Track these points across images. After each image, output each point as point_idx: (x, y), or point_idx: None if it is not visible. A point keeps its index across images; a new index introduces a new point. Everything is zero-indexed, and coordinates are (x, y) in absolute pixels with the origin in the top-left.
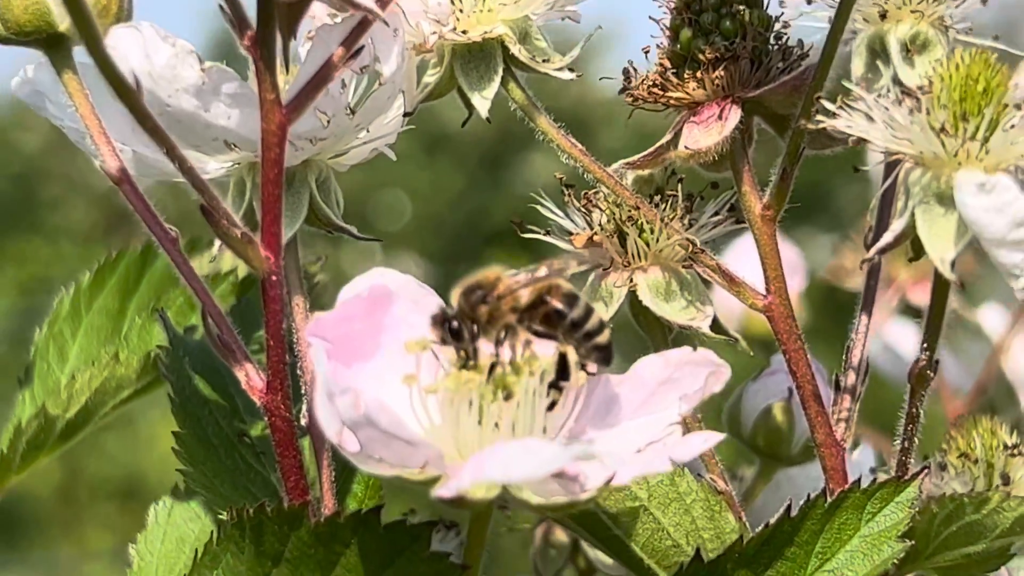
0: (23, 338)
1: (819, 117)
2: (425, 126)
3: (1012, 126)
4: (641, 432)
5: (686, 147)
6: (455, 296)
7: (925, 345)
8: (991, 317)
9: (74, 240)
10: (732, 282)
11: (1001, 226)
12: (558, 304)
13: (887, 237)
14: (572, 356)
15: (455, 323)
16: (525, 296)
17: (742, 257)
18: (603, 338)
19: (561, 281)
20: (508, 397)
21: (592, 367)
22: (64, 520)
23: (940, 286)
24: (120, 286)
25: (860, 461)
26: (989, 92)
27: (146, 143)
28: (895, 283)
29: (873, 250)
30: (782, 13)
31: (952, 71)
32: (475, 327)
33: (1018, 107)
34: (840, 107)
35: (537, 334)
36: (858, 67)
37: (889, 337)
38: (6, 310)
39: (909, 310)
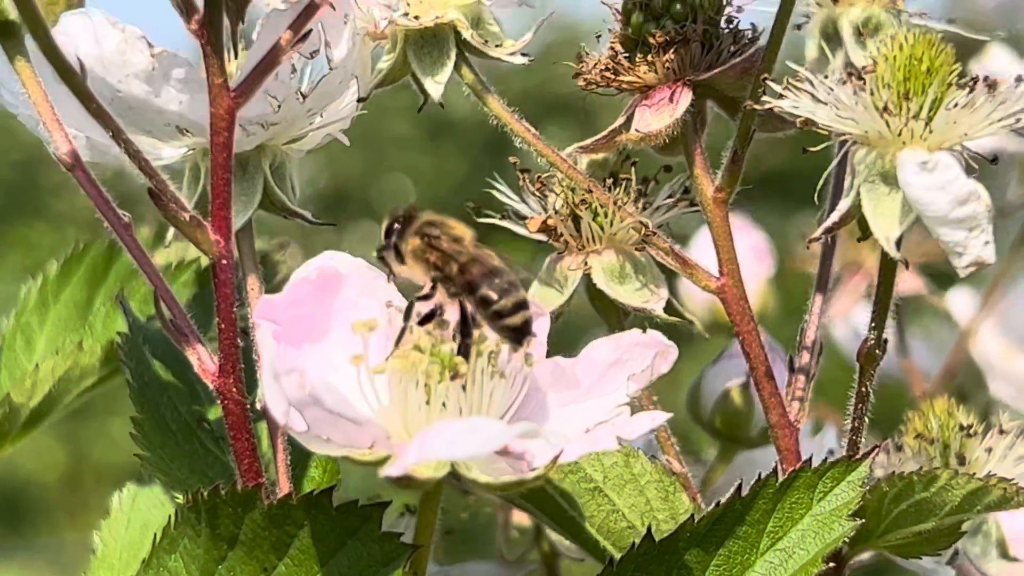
0: None
1: (766, 98)
2: (429, 111)
3: (955, 105)
4: (591, 412)
5: (637, 130)
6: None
7: (873, 324)
8: (959, 302)
9: (78, 226)
10: (685, 264)
11: (943, 204)
12: (472, 275)
13: (833, 217)
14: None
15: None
16: (462, 256)
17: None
18: (515, 320)
19: (491, 256)
20: (455, 377)
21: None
22: (70, 506)
23: (887, 265)
24: (88, 277)
25: (825, 444)
26: (933, 71)
27: (99, 130)
28: (863, 268)
29: (820, 230)
30: (730, 3)
31: (896, 51)
32: (402, 255)
33: (962, 87)
34: (787, 88)
35: (451, 294)
36: (811, 50)
37: (859, 322)
38: (10, 295)
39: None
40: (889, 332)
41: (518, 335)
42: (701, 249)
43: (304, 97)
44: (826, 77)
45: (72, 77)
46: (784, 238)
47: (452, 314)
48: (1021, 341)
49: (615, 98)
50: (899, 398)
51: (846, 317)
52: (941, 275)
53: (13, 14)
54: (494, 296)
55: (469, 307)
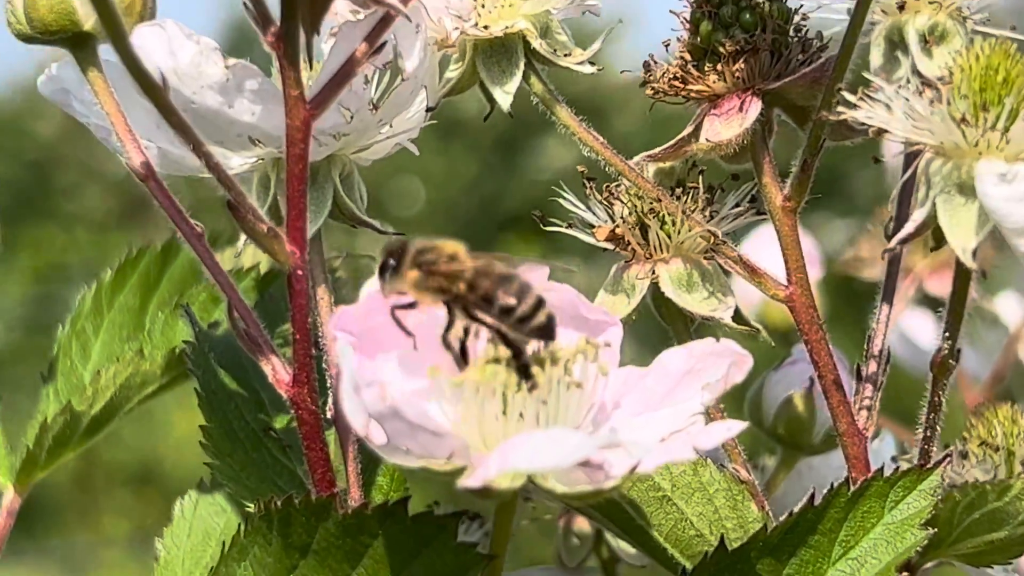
0: (38, 324)
1: (840, 108)
2: (439, 112)
3: None
4: (665, 422)
5: (707, 139)
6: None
7: (947, 334)
8: (1008, 306)
9: (89, 227)
10: (754, 273)
11: (1021, 215)
12: (484, 288)
13: (908, 227)
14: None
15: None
16: (466, 273)
17: (760, 248)
18: (539, 319)
19: (493, 264)
20: (533, 388)
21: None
22: (81, 507)
23: (961, 275)
24: (141, 283)
25: (880, 449)
26: (1009, 82)
27: (170, 139)
28: (912, 273)
29: (895, 240)
30: (801, 5)
31: (972, 61)
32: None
33: None
34: (860, 98)
35: (469, 315)
36: (877, 58)
37: (907, 326)
38: (21, 297)
39: (926, 300)
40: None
41: (545, 334)
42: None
43: (376, 108)
44: (900, 88)
45: (154, 90)
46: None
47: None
48: None
49: (630, 99)
50: (948, 402)
51: (895, 321)
52: (990, 279)
53: (87, 25)
54: (513, 302)
55: (492, 321)
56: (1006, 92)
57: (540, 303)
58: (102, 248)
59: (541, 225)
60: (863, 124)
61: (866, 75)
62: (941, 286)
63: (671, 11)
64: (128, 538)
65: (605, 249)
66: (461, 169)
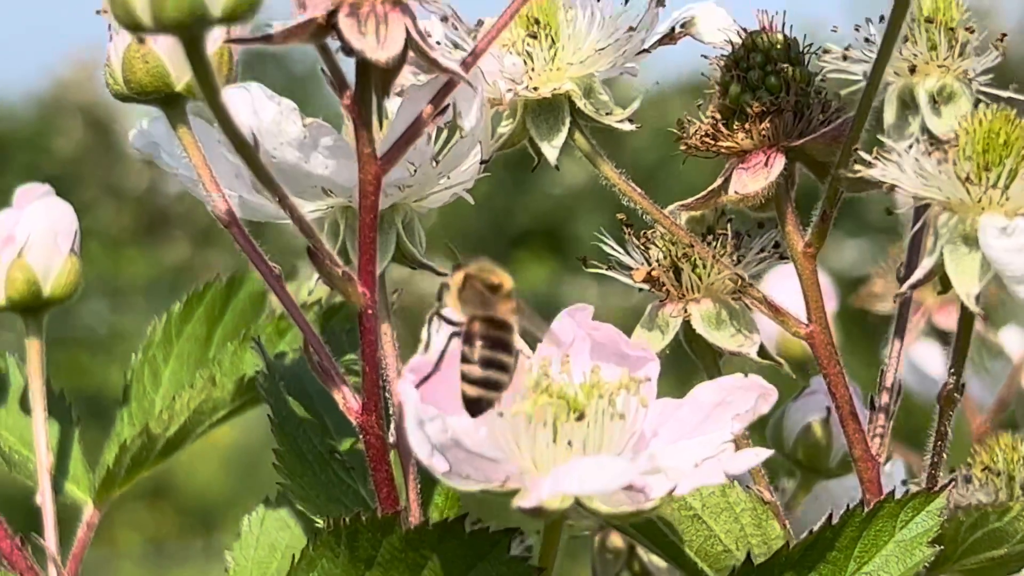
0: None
1: (856, 166)
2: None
3: None
4: (698, 449)
5: (736, 192)
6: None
7: (953, 370)
8: (1012, 338)
9: (104, 242)
10: (777, 312)
11: (1021, 265)
12: (472, 328)
13: (918, 274)
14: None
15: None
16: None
17: (776, 286)
18: (470, 389)
19: (506, 323)
20: (580, 418)
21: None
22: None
23: (966, 317)
24: (207, 315)
25: (891, 473)
26: (1009, 145)
27: (249, 189)
28: (922, 307)
29: (905, 286)
30: (822, 69)
31: (976, 125)
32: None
33: None
34: (875, 157)
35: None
36: (890, 116)
37: (916, 357)
38: None
39: (935, 332)
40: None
41: (468, 402)
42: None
43: (437, 162)
44: (910, 147)
45: (244, 147)
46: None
47: (576, 362)
48: None
49: (639, 117)
50: (956, 427)
51: (906, 352)
52: (994, 313)
53: (179, 87)
54: (470, 358)
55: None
56: (1007, 154)
57: (491, 384)
58: (117, 263)
59: (584, 268)
60: (878, 180)
61: (880, 137)
62: (948, 320)
63: (702, 74)
64: (142, 551)
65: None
66: (473, 186)
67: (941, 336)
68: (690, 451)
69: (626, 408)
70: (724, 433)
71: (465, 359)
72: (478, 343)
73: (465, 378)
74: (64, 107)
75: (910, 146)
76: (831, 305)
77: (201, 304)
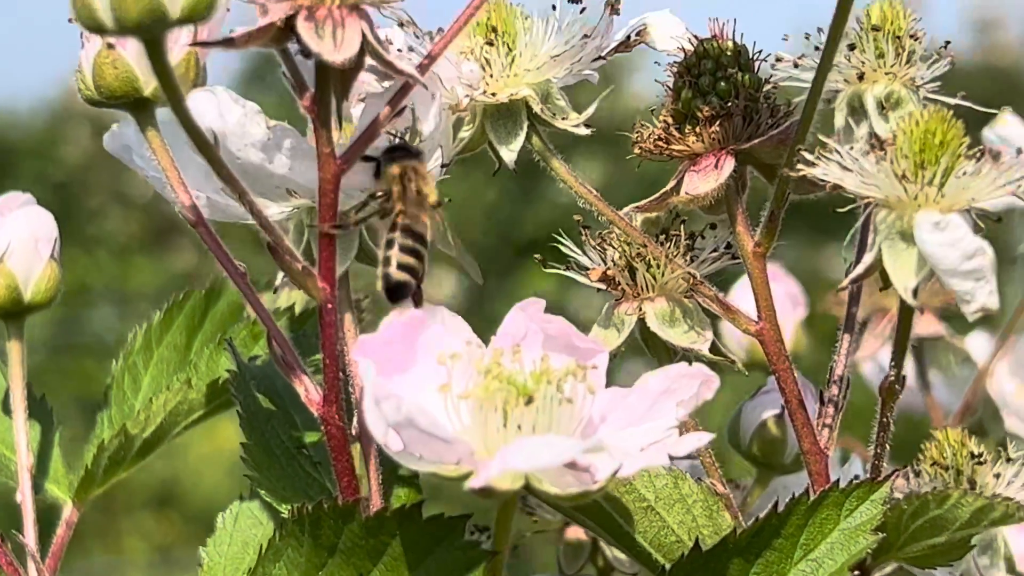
0: (61, 346)
1: (800, 167)
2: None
3: (964, 173)
4: (645, 434)
5: (686, 193)
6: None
7: (893, 363)
8: (978, 344)
9: (111, 250)
10: (728, 310)
11: (954, 258)
12: (396, 221)
13: (859, 269)
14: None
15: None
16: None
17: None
18: (392, 272)
19: (424, 220)
20: (529, 402)
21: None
22: (101, 529)
23: (905, 311)
24: (187, 324)
25: (848, 471)
26: (945, 144)
27: (217, 190)
28: (889, 313)
29: (847, 280)
30: (771, 76)
31: (913, 126)
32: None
33: (970, 158)
34: (818, 158)
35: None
36: (840, 121)
37: (885, 361)
38: (44, 318)
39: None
40: (914, 371)
41: (389, 289)
42: (740, 294)
43: None
44: (852, 148)
45: (206, 147)
46: (813, 263)
47: (527, 352)
48: None
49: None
50: (923, 428)
51: (874, 357)
52: (961, 320)
53: (147, 91)
54: (393, 244)
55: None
56: (942, 153)
57: (409, 269)
58: (125, 271)
59: (543, 267)
60: (821, 180)
61: (822, 138)
62: (917, 325)
63: (656, 80)
64: (148, 559)
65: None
66: (479, 195)
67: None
68: (637, 436)
69: (574, 393)
70: (670, 419)
71: (389, 245)
72: (400, 233)
73: (388, 263)
74: (72, 115)
75: (851, 147)
76: (800, 310)
77: (181, 313)
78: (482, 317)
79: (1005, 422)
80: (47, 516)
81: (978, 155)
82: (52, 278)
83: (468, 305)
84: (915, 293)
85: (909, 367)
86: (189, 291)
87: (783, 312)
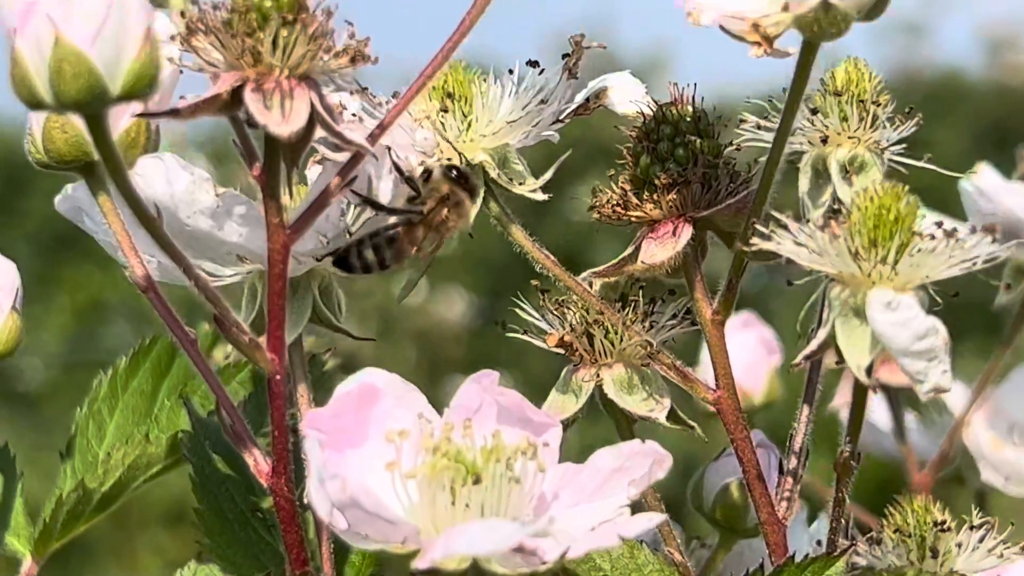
0: (76, 362)
1: (754, 240)
2: None
3: (919, 250)
4: (596, 513)
5: (643, 261)
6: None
7: (848, 439)
8: (954, 394)
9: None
10: (685, 379)
11: (905, 339)
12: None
13: (812, 345)
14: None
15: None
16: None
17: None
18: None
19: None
20: (477, 481)
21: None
22: (115, 544)
23: (859, 389)
24: (154, 369)
25: (818, 530)
26: (900, 220)
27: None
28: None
29: (800, 356)
30: (731, 142)
31: (867, 202)
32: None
33: (925, 235)
34: (771, 231)
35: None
36: (804, 184)
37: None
38: (60, 335)
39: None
40: (890, 418)
41: (337, 263)
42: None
43: (351, 233)
44: (807, 221)
45: (149, 220)
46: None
47: (479, 427)
48: (1008, 433)
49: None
50: (899, 476)
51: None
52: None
53: (96, 156)
54: (395, 240)
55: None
56: (896, 229)
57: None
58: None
59: (503, 332)
60: (775, 254)
61: (775, 214)
62: (890, 375)
63: (616, 145)
64: (162, 574)
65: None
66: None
67: (885, 390)
68: (588, 515)
69: (523, 473)
70: (621, 498)
71: (374, 239)
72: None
73: (357, 249)
74: None
75: (806, 220)
76: (775, 357)
77: (148, 358)
78: (494, 336)
79: (982, 473)
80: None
81: (932, 233)
82: (14, 329)
83: (479, 324)
84: (869, 371)
85: (884, 413)
86: (156, 336)
87: (757, 359)
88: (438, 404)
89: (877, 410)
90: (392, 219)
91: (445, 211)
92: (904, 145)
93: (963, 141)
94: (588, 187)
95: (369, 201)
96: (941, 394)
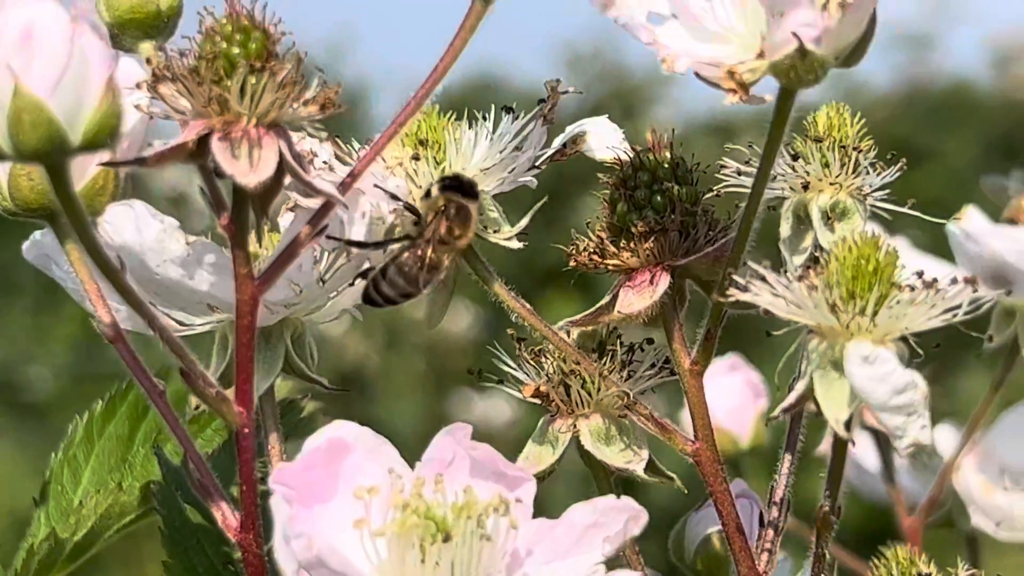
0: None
1: (732, 291)
2: None
3: (898, 302)
4: (572, 570)
5: (619, 311)
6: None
7: (828, 493)
8: (944, 438)
9: None
10: (663, 430)
11: (883, 393)
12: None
13: (791, 398)
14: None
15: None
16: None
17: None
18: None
19: (441, 256)
20: (447, 539)
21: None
22: (123, 555)
23: (838, 443)
24: (130, 413)
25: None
26: (878, 272)
27: None
28: None
29: (777, 410)
30: (710, 189)
31: (846, 252)
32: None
33: (904, 286)
34: (748, 283)
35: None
36: (785, 230)
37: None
38: (68, 344)
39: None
40: (879, 460)
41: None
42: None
43: (324, 282)
44: (784, 272)
45: (112, 272)
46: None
47: (451, 482)
48: (999, 477)
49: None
50: (889, 519)
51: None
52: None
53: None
54: (404, 266)
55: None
56: (875, 281)
57: (401, 290)
58: None
59: (478, 380)
60: (753, 305)
61: (753, 265)
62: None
63: (592, 192)
64: None
65: None
66: None
67: (874, 432)
68: (563, 572)
69: (495, 530)
70: (596, 554)
71: (384, 271)
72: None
73: (374, 285)
74: None
75: (784, 269)
76: (761, 401)
77: (124, 402)
78: (502, 348)
79: (972, 518)
80: None
81: (912, 284)
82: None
83: (486, 336)
84: (848, 425)
85: (873, 455)
86: (131, 382)
87: (744, 403)
88: (445, 416)
89: (866, 452)
90: (394, 247)
91: (446, 223)
92: (887, 191)
93: (972, 152)
94: (594, 198)
95: (351, 242)
96: (921, 450)
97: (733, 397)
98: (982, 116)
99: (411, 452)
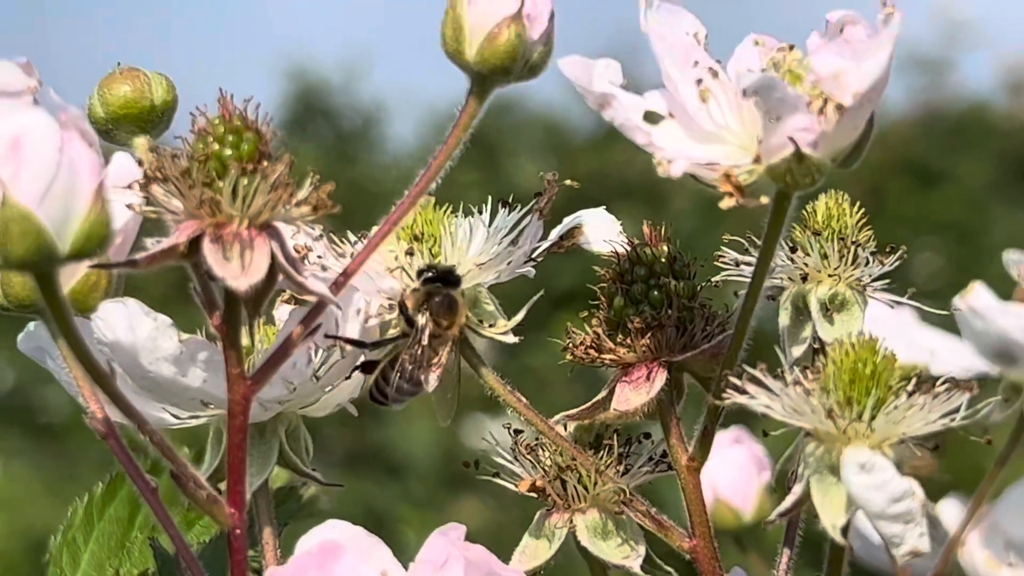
0: None
1: (728, 392)
2: (493, 186)
3: (896, 407)
4: None
5: (615, 408)
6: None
7: None
8: (949, 511)
9: (150, 301)
10: (660, 526)
11: (880, 501)
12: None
13: (787, 502)
14: None
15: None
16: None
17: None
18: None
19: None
20: None
21: None
22: None
23: (835, 549)
24: (130, 496)
25: None
26: (876, 376)
27: (132, 395)
28: None
29: (774, 513)
30: (708, 281)
31: (843, 356)
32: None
33: (902, 391)
34: (744, 385)
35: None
36: (784, 321)
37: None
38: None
39: None
40: None
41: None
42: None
43: (318, 379)
44: (780, 375)
45: (101, 377)
46: None
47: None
48: (1004, 552)
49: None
50: None
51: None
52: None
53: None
54: (404, 366)
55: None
56: (872, 386)
57: (402, 391)
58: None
59: (474, 471)
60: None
61: (748, 369)
62: None
63: (588, 285)
64: None
65: None
66: None
67: None
68: None
69: None
70: None
71: (384, 379)
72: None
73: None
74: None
75: (780, 372)
76: (765, 474)
77: (124, 484)
78: (517, 369)
79: None
80: None
81: (910, 389)
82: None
83: (503, 358)
84: (844, 531)
85: None
86: None
87: (747, 476)
88: (458, 440)
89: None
90: (388, 347)
91: (432, 315)
92: (887, 280)
93: (988, 174)
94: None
95: (347, 340)
96: (918, 557)
97: (737, 470)
98: (997, 139)
99: (425, 476)
